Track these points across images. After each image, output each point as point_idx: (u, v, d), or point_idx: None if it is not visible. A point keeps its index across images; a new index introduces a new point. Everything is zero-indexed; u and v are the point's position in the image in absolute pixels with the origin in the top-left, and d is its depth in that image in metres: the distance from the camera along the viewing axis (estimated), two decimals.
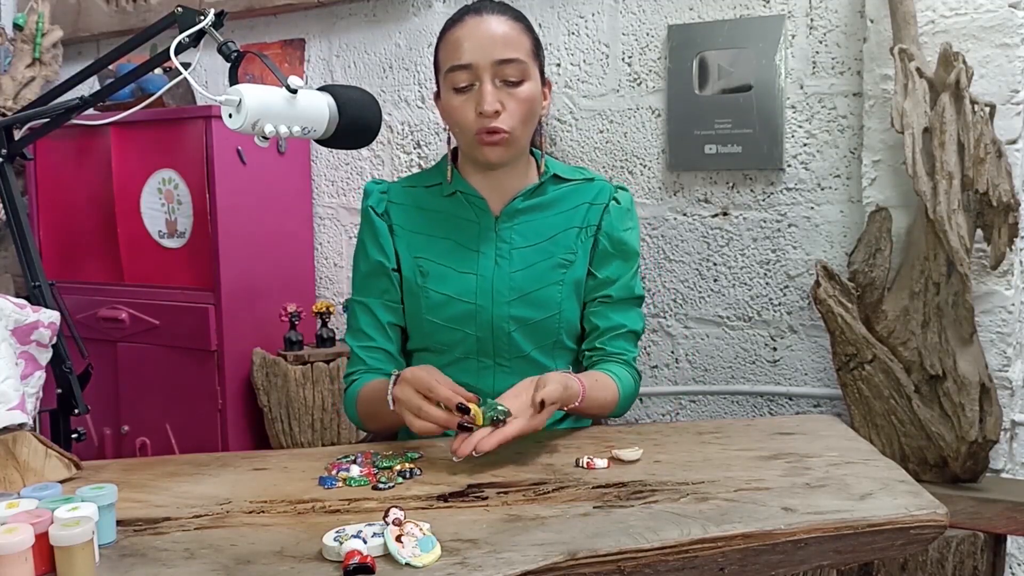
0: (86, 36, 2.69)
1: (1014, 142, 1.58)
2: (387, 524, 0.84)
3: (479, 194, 1.32)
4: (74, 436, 1.35)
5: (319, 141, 1.16)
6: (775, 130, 1.84)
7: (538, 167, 1.36)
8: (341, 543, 0.81)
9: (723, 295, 1.95)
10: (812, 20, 1.81)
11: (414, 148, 2.30)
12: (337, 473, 1.07)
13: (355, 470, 1.07)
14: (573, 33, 2.06)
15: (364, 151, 2.34)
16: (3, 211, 1.57)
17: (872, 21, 1.68)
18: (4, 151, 1.28)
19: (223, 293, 2.12)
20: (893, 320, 1.60)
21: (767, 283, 1.91)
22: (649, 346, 2.03)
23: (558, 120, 2.08)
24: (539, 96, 1.28)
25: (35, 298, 1.27)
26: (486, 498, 0.97)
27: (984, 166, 1.50)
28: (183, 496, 1.01)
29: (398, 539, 0.81)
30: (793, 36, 1.83)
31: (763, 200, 1.89)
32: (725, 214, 1.93)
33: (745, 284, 1.93)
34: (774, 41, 1.83)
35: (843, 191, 1.82)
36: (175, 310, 2.17)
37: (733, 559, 0.86)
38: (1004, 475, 1.65)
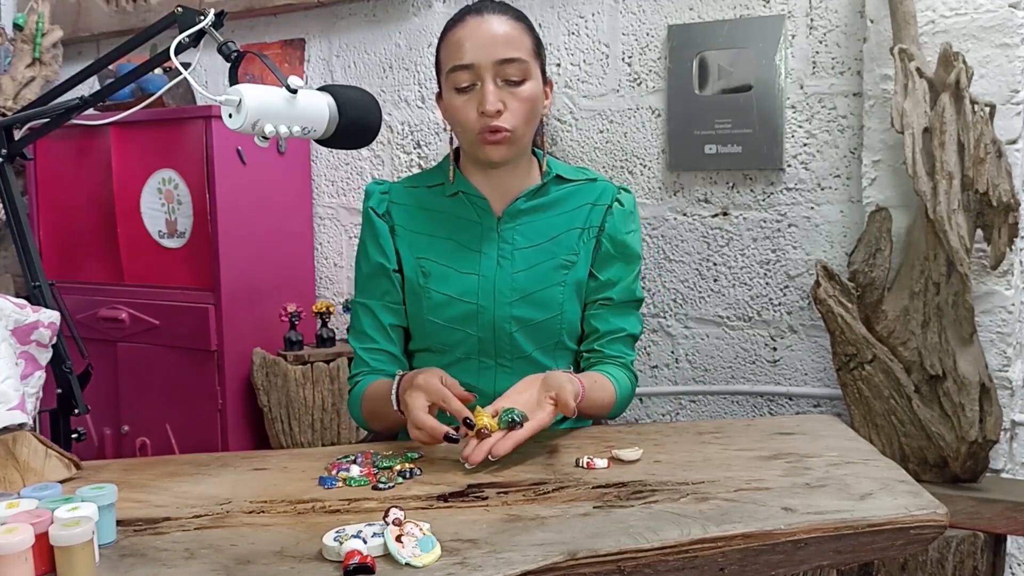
0: (86, 36, 2.69)
1: (1014, 142, 1.58)
2: (387, 524, 0.84)
3: (481, 194, 1.32)
4: (74, 436, 1.35)
5: (319, 141, 1.16)
6: (775, 130, 1.84)
7: (540, 167, 1.36)
8: (341, 543, 0.81)
9: (723, 295, 1.95)
10: (812, 20, 1.81)
11: (414, 148, 2.30)
12: (337, 473, 1.07)
13: (355, 470, 1.07)
14: (573, 33, 2.06)
15: (364, 151, 2.34)
16: (3, 211, 1.57)
17: (872, 21, 1.68)
18: (4, 151, 1.28)
19: (223, 293, 2.12)
20: (893, 320, 1.60)
21: (767, 283, 1.91)
22: (649, 346, 2.03)
23: (558, 120, 2.08)
24: (541, 95, 1.28)
25: (35, 298, 1.27)
26: (486, 498, 0.97)
27: (984, 166, 1.50)
28: (183, 496, 1.01)
29: (398, 539, 0.81)
30: (793, 36, 1.83)
31: (763, 200, 1.89)
32: (725, 214, 1.93)
33: (745, 284, 1.93)
34: (774, 41, 1.83)
35: (843, 191, 1.82)
36: (175, 310, 2.17)
37: (733, 559, 0.86)
38: (1004, 475, 1.65)
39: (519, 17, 1.28)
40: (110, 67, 1.39)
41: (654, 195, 1.99)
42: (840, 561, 0.90)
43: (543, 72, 1.30)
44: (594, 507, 0.93)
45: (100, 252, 2.32)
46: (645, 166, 2.00)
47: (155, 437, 2.24)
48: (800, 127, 1.84)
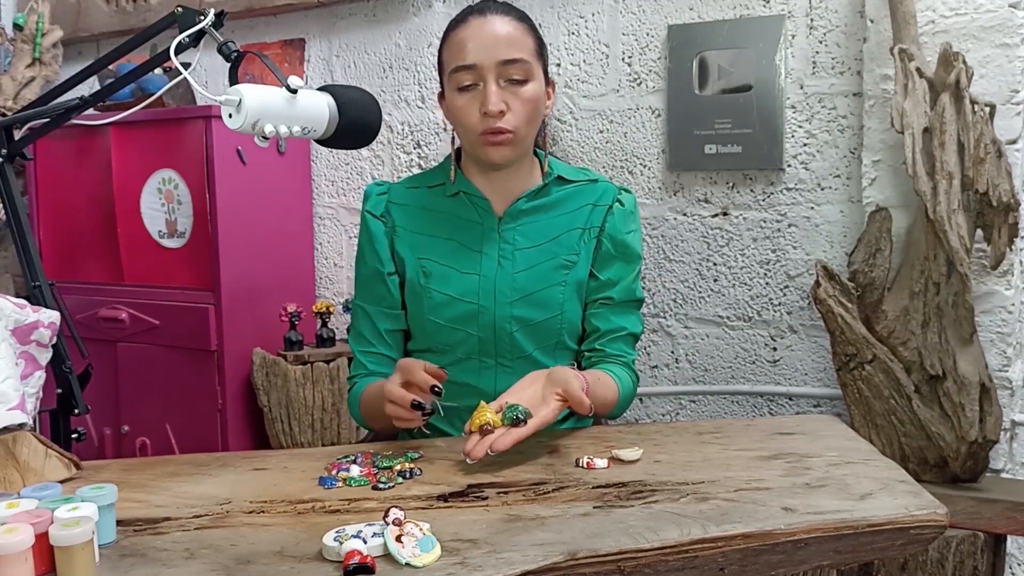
0: (86, 36, 2.69)
1: (1014, 142, 1.58)
2: (387, 524, 0.84)
3: (482, 195, 1.32)
4: (74, 436, 1.35)
5: (319, 141, 1.16)
6: (775, 130, 1.84)
7: (542, 168, 1.36)
8: (341, 543, 0.81)
9: (723, 295, 1.95)
10: (812, 20, 1.81)
11: (414, 148, 2.30)
12: (337, 473, 1.07)
13: (355, 470, 1.07)
14: (573, 33, 2.06)
15: (364, 151, 2.34)
16: (3, 211, 1.57)
17: (872, 21, 1.68)
18: (4, 151, 1.28)
19: (223, 293, 2.12)
20: (893, 320, 1.60)
21: (767, 283, 1.91)
22: (649, 346, 2.03)
23: (558, 120, 2.08)
24: (543, 96, 1.29)
25: (35, 298, 1.27)
26: (486, 498, 0.97)
27: (984, 166, 1.50)
28: (183, 496, 1.01)
29: (398, 539, 0.81)
30: (793, 36, 1.83)
31: (763, 200, 1.89)
32: (725, 214, 1.93)
33: (745, 284, 1.93)
34: (774, 41, 1.83)
35: (843, 191, 1.82)
36: (175, 310, 2.17)
37: (733, 559, 0.86)
38: (1004, 475, 1.65)
39: (522, 18, 1.28)
40: (110, 67, 1.39)
41: (654, 195, 1.99)
42: (840, 561, 0.90)
43: (545, 73, 1.30)
44: (594, 507, 0.93)
45: (100, 252, 2.32)
46: (645, 166, 2.00)
47: (155, 437, 2.24)
48: (800, 127, 1.84)
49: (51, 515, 0.80)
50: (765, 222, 1.89)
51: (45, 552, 0.78)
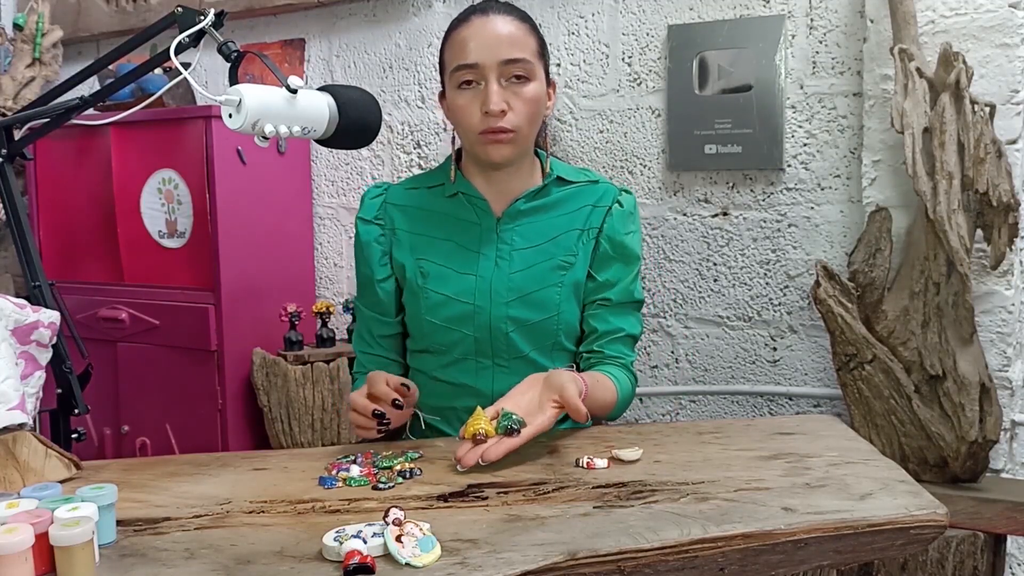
0: (86, 36, 2.69)
1: (1014, 142, 1.58)
2: (387, 524, 0.84)
3: (481, 195, 1.32)
4: (74, 436, 1.35)
5: (319, 141, 1.16)
6: (775, 130, 1.84)
7: (543, 168, 1.36)
8: (341, 543, 0.81)
9: (723, 295, 1.95)
10: (812, 20, 1.81)
11: (414, 148, 2.30)
12: (337, 473, 1.07)
13: (355, 470, 1.07)
14: (573, 33, 2.06)
15: (364, 151, 2.34)
16: (3, 211, 1.57)
17: (872, 21, 1.68)
18: (4, 151, 1.28)
19: (223, 293, 2.12)
20: (893, 320, 1.60)
21: (767, 283, 1.91)
22: (649, 346, 2.03)
23: (558, 120, 2.08)
24: (544, 96, 1.29)
25: (35, 298, 1.27)
26: (486, 498, 0.97)
27: (984, 166, 1.50)
28: (183, 496, 1.01)
29: (398, 539, 0.81)
30: (793, 36, 1.83)
31: (763, 200, 1.89)
32: (725, 214, 1.93)
33: (745, 284, 1.93)
34: (774, 41, 1.83)
35: (843, 191, 1.82)
36: (175, 310, 2.17)
37: (733, 559, 0.86)
38: (1004, 475, 1.65)
39: (524, 18, 1.28)
40: (110, 67, 1.39)
41: (654, 195, 1.99)
42: (840, 561, 0.90)
43: (547, 73, 1.30)
44: (594, 507, 0.93)
45: (100, 252, 2.32)
46: (645, 166, 2.00)
47: (155, 437, 2.24)
48: (800, 127, 1.84)
49: (51, 515, 0.80)
50: (765, 222, 1.89)
51: (45, 552, 0.78)
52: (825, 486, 0.97)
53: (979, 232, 1.56)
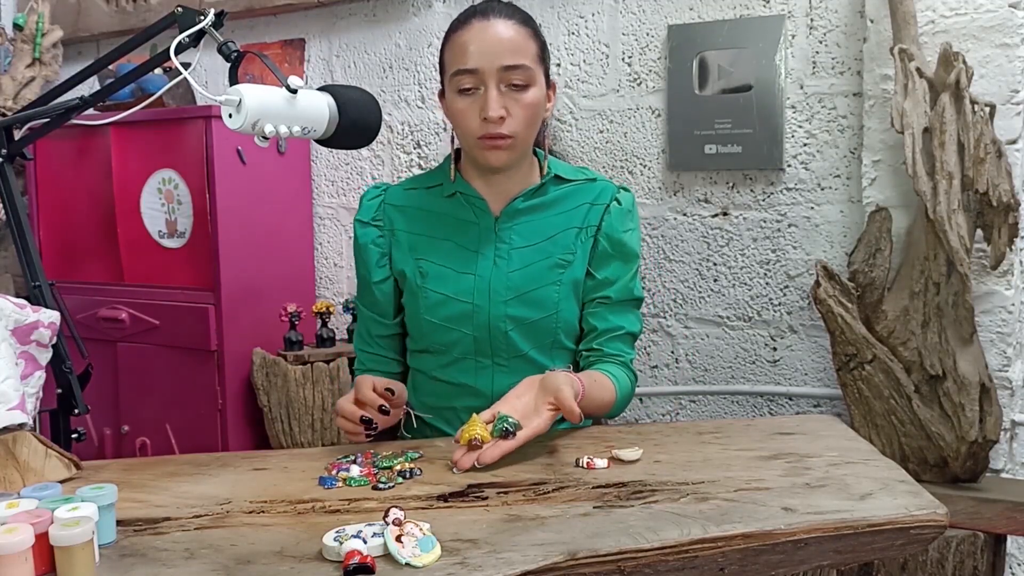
0: (86, 36, 2.69)
1: (1014, 142, 1.58)
2: (387, 524, 0.84)
3: (479, 195, 1.33)
4: (74, 436, 1.35)
5: (319, 141, 1.16)
6: (775, 130, 1.84)
7: (541, 167, 1.36)
8: (341, 543, 0.81)
9: (723, 295, 1.95)
10: (812, 20, 1.81)
11: (414, 148, 2.30)
12: (337, 473, 1.07)
13: (355, 470, 1.07)
14: (573, 33, 2.06)
15: (364, 151, 2.34)
16: (3, 211, 1.57)
17: (872, 21, 1.68)
18: (4, 151, 1.28)
19: (223, 293, 2.12)
20: (893, 320, 1.60)
21: (767, 283, 1.91)
22: (649, 346, 2.03)
23: (558, 120, 2.08)
24: (543, 100, 1.29)
25: (35, 298, 1.27)
26: (486, 498, 0.97)
27: (984, 166, 1.50)
28: (183, 496, 1.01)
29: (398, 539, 0.81)
30: (793, 36, 1.83)
31: (763, 200, 1.89)
32: (725, 214, 1.93)
33: (745, 284, 1.93)
34: (774, 41, 1.83)
35: (843, 191, 1.82)
36: (175, 310, 2.17)
37: (733, 559, 0.86)
38: (1004, 475, 1.65)
39: (525, 21, 1.27)
40: (110, 67, 1.39)
41: (654, 195, 1.99)
42: (840, 561, 0.90)
43: (547, 76, 1.30)
44: (594, 507, 0.93)
45: (100, 252, 2.32)
46: (645, 166, 2.00)
47: (155, 437, 2.24)
48: (800, 127, 1.84)
49: (51, 515, 0.80)
50: (765, 222, 1.89)
51: (45, 552, 0.78)
52: (825, 486, 0.97)
53: (979, 232, 1.56)
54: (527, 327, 1.30)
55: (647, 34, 1.97)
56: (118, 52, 1.26)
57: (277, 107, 1.05)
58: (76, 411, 1.30)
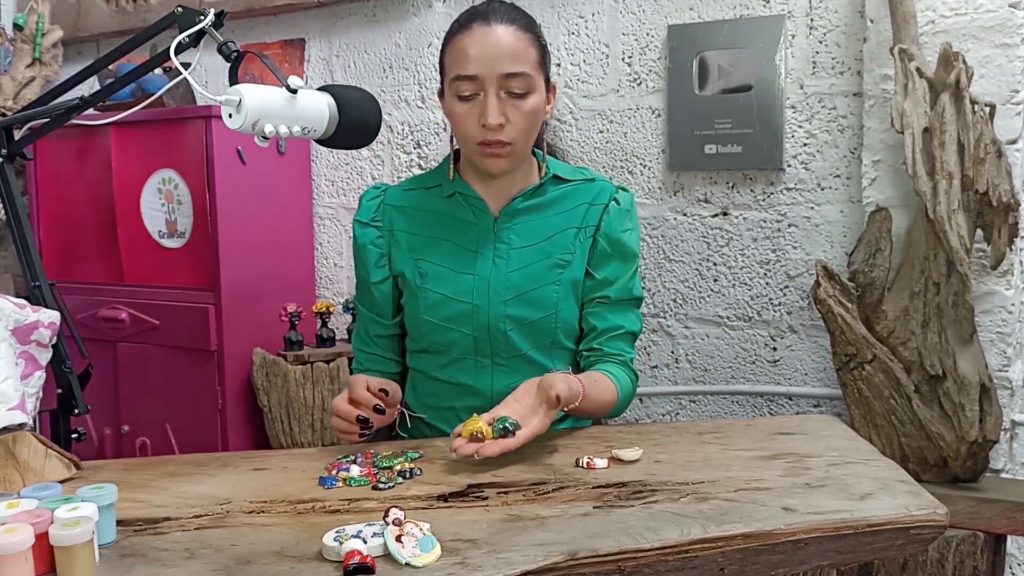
0: (86, 36, 2.69)
1: (1014, 142, 1.58)
2: (387, 524, 0.84)
3: (478, 195, 1.33)
4: (74, 436, 1.35)
5: (319, 141, 1.16)
6: (775, 130, 1.84)
7: (539, 168, 1.36)
8: (341, 543, 0.81)
9: (723, 295, 1.95)
10: (812, 20, 1.81)
11: (414, 148, 2.30)
12: (337, 473, 1.07)
13: (355, 470, 1.07)
14: (573, 33, 2.06)
15: (364, 151, 2.34)
16: (3, 211, 1.57)
17: (872, 21, 1.68)
18: (4, 151, 1.28)
19: (223, 293, 2.12)
20: (893, 320, 1.60)
21: (767, 283, 1.91)
22: (649, 346, 2.03)
23: (558, 120, 2.08)
24: (543, 106, 1.28)
25: (35, 298, 1.27)
26: (486, 498, 0.97)
27: (984, 166, 1.50)
28: (183, 496, 1.01)
29: (398, 539, 0.81)
30: (793, 36, 1.83)
31: (763, 200, 1.89)
32: (725, 214, 1.93)
33: (745, 284, 1.93)
34: (774, 41, 1.83)
35: (843, 191, 1.82)
36: (175, 310, 2.17)
37: (733, 559, 0.86)
38: (1004, 475, 1.66)
39: (526, 26, 1.26)
40: (110, 67, 1.39)
41: (654, 195, 1.99)
42: (840, 561, 0.90)
43: (547, 80, 1.30)
44: (594, 507, 0.93)
45: (100, 252, 2.32)
46: (645, 166, 2.00)
47: (155, 437, 2.24)
48: (800, 127, 1.84)
49: (51, 515, 0.80)
50: (765, 222, 1.89)
51: (45, 552, 0.78)
52: (825, 486, 0.97)
53: (979, 232, 1.56)
54: (526, 327, 1.30)
55: (647, 34, 1.97)
56: (118, 52, 1.26)
57: (277, 107, 1.06)
58: (76, 411, 1.30)
